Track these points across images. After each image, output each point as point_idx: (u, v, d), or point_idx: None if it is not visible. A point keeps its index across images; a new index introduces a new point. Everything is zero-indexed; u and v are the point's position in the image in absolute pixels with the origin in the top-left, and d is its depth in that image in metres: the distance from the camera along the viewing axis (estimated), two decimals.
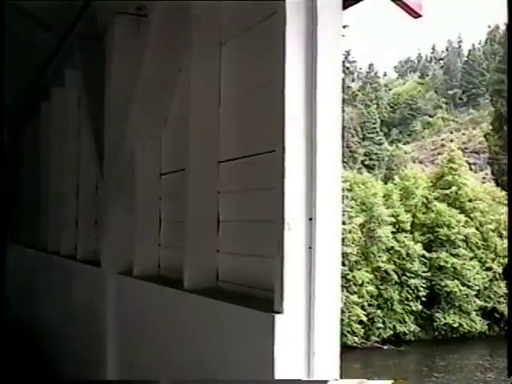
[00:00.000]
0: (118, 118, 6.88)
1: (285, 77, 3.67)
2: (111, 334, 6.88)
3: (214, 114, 5.08)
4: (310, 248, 3.62)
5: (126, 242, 6.74)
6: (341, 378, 3.82)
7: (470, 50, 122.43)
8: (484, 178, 65.95)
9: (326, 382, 3.73)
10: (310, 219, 3.62)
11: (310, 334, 3.65)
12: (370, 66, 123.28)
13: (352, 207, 47.59)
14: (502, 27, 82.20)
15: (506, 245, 50.88)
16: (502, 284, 50.22)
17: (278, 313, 3.61)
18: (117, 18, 7.10)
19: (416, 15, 4.46)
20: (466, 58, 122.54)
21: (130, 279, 6.46)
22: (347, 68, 63.00)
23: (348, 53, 61.44)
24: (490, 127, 70.24)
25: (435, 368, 41.24)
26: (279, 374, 3.61)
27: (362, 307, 45.69)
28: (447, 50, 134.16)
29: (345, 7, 4.23)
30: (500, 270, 50.32)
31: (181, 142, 5.50)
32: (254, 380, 3.92)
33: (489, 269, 50.07)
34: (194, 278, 5.03)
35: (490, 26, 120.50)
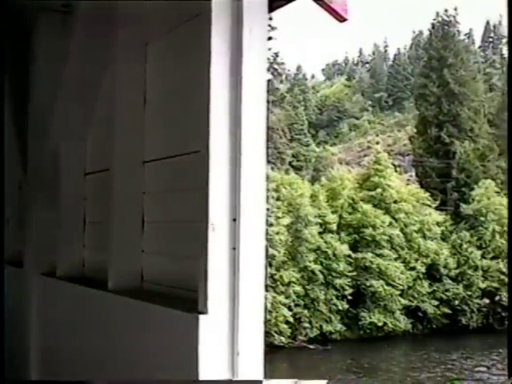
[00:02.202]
0: (42, 117, 6.77)
1: (210, 77, 3.68)
2: (35, 334, 6.78)
3: (139, 114, 5.05)
4: (234, 249, 3.65)
5: (50, 243, 6.64)
6: (265, 377, 3.85)
7: (395, 55, 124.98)
8: (408, 179, 67.18)
9: (261, 381, 3.76)
10: (234, 220, 3.65)
11: (234, 335, 3.67)
12: (298, 68, 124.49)
13: (279, 208, 47.86)
14: (426, 33, 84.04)
15: (429, 245, 52.04)
16: (426, 283, 51.35)
17: (202, 313, 3.62)
18: (42, 16, 6.98)
19: (342, 19, 4.52)
20: (391, 62, 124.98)
21: (54, 280, 6.37)
22: (275, 70, 63.28)
23: (276, 55, 61.69)
24: (415, 130, 71.57)
25: (363, 366, 41.93)
26: (203, 375, 3.62)
27: (289, 307, 46.02)
28: (373, 53, 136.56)
29: (274, 8, 4.26)
30: (423, 270, 51.45)
31: (106, 141, 5.45)
32: (183, 380, 3.92)
33: (412, 269, 51.11)
34: (118, 279, 5.00)
35: (414, 32, 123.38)
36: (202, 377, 3.62)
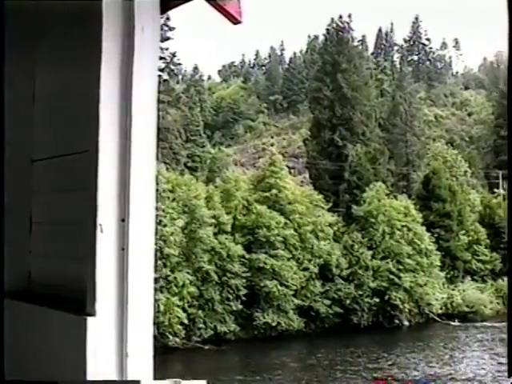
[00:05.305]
0: None
1: (100, 77, 3.65)
2: None
3: (26, 112, 4.94)
4: (123, 249, 3.62)
5: None
6: (155, 378, 3.85)
7: (291, 58, 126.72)
8: (302, 181, 68.36)
9: (139, 382, 3.75)
10: (123, 220, 3.63)
11: (123, 336, 3.65)
12: (195, 68, 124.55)
13: (174, 208, 47.69)
14: (321, 38, 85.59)
15: (322, 246, 53.00)
16: (318, 283, 52.29)
17: (90, 315, 3.59)
18: None
19: (236, 21, 4.54)
20: (287, 66, 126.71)
21: None
22: (172, 70, 63.06)
23: (173, 55, 61.44)
24: (309, 133, 72.90)
25: (258, 366, 42.35)
26: (91, 376, 3.59)
27: (184, 308, 45.92)
28: (270, 56, 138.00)
29: (169, 8, 4.25)
30: (316, 270, 52.36)
31: None
32: (67, 381, 3.87)
33: (306, 269, 51.93)
34: (5, 280, 4.87)
35: (310, 36, 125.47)
36: (90, 378, 3.59)
